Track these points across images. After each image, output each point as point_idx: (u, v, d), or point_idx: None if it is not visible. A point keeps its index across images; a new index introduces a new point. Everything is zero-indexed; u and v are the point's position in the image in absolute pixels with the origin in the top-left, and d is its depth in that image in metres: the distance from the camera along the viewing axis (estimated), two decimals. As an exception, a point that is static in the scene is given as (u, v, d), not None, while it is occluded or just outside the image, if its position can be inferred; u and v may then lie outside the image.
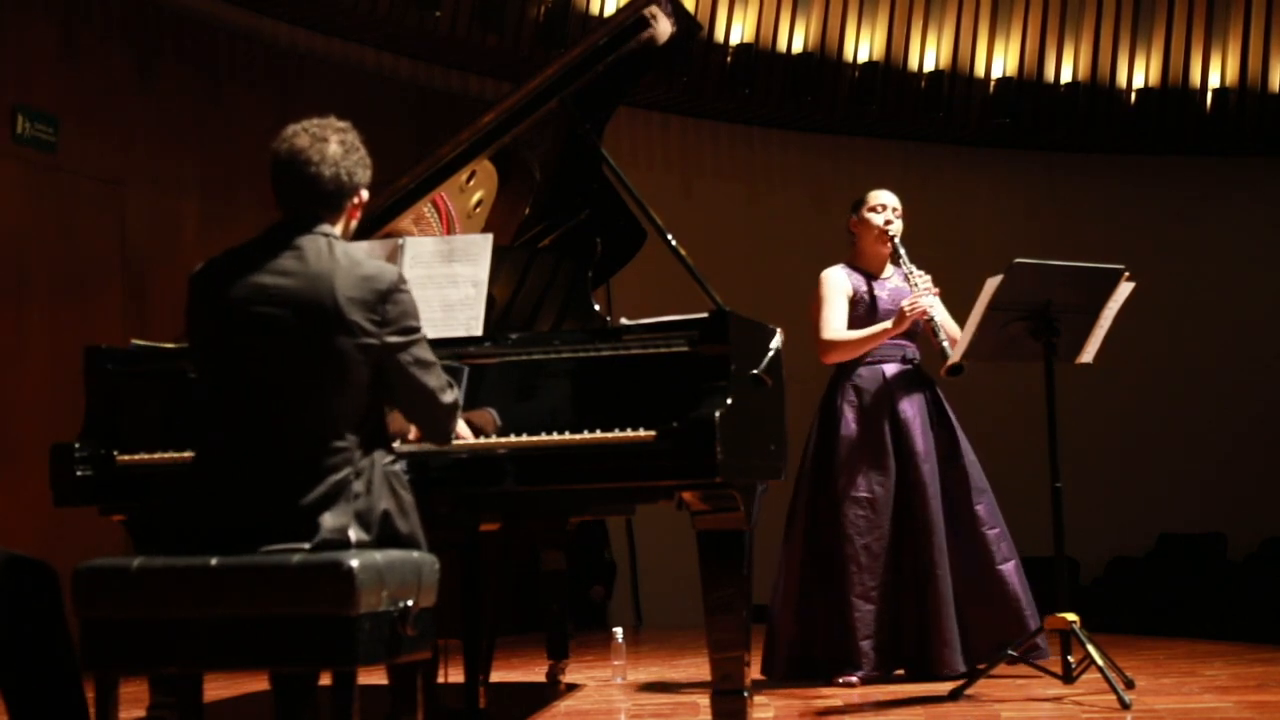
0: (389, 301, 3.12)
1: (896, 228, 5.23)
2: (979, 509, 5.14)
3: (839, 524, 5.07)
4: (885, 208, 5.26)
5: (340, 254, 3.13)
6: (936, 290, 5.12)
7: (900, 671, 5.09)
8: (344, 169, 3.19)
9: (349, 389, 3.09)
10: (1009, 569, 5.10)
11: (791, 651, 5.13)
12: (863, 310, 5.22)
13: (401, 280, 3.16)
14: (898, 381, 5.18)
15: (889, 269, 5.33)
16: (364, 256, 3.18)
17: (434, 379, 3.24)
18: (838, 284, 5.24)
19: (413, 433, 3.61)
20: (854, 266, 5.32)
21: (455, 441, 3.50)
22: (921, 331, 5.19)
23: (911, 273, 5.11)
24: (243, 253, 3.18)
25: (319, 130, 3.20)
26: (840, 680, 5.00)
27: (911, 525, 5.08)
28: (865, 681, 4.98)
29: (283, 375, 3.08)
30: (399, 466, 3.26)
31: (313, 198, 3.18)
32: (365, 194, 3.27)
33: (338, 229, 3.21)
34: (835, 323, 5.18)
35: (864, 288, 5.25)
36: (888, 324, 5.11)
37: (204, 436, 3.19)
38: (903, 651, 5.07)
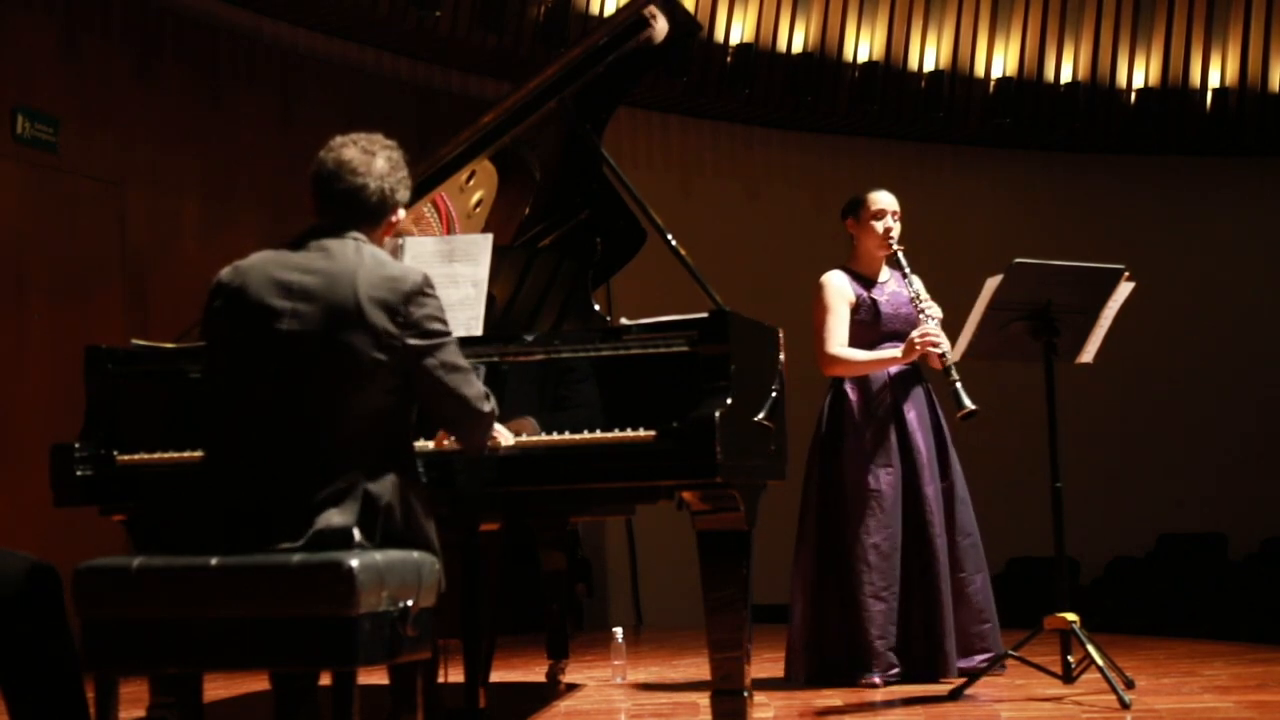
0: (412, 303, 3.10)
1: (897, 232, 5.16)
2: (960, 518, 5.12)
3: (847, 524, 5.04)
4: (886, 213, 5.16)
5: (367, 255, 3.14)
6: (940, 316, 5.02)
7: (896, 670, 5.04)
8: (388, 185, 3.22)
9: (367, 390, 3.07)
10: (977, 581, 5.09)
11: (808, 654, 5.10)
12: (865, 315, 5.14)
13: (427, 283, 3.14)
14: (900, 382, 5.14)
15: (885, 272, 5.27)
16: (390, 259, 3.19)
17: (468, 386, 3.21)
18: (840, 291, 5.15)
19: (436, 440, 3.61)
20: (852, 271, 5.24)
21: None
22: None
23: (919, 297, 5.02)
24: (272, 253, 3.19)
25: (368, 144, 3.23)
26: (863, 682, 4.96)
27: (915, 525, 5.05)
28: (886, 682, 4.94)
29: (300, 370, 3.07)
30: (418, 468, 3.25)
31: (353, 209, 3.20)
32: (402, 213, 3.29)
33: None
34: (839, 335, 5.10)
35: (865, 293, 5.17)
36: (896, 352, 5.04)
37: (215, 433, 3.17)
38: (911, 652, 5.04)
